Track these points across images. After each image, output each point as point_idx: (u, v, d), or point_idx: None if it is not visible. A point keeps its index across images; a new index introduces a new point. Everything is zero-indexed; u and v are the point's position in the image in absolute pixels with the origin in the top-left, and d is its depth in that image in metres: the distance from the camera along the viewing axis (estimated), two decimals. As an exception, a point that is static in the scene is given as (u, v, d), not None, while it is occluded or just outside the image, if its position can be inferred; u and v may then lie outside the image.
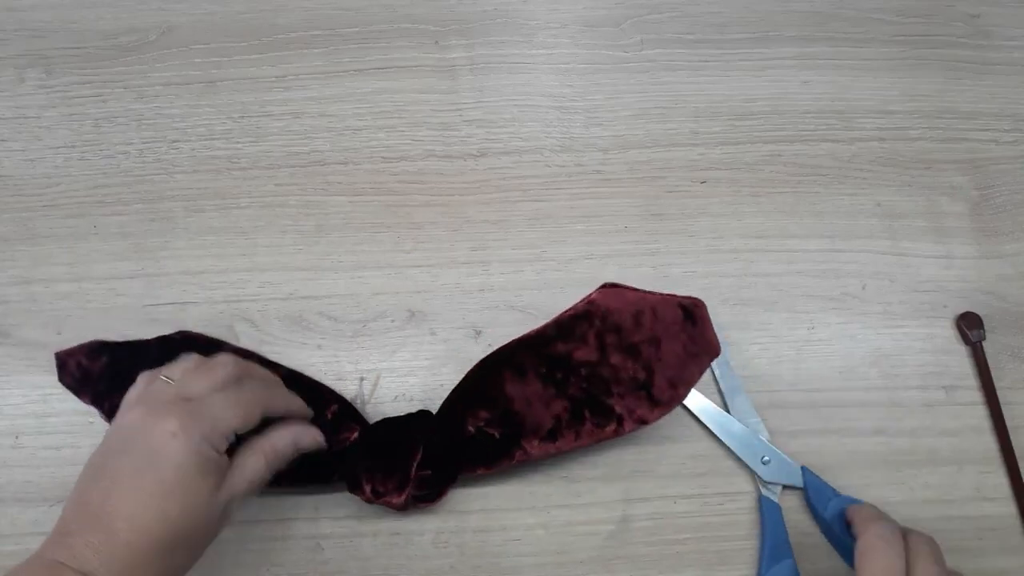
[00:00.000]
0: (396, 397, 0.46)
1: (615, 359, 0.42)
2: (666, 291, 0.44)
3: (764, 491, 0.44)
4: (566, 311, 0.43)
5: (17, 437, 0.45)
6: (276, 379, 0.41)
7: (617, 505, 0.45)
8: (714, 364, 0.46)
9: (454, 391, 0.43)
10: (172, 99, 0.52)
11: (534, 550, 0.44)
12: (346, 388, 0.46)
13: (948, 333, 0.49)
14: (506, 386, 0.42)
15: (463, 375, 0.43)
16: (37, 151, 0.51)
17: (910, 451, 0.46)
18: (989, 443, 0.47)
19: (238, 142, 0.52)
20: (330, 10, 0.55)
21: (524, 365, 0.42)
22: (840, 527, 0.42)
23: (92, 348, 0.44)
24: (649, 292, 0.43)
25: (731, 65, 0.55)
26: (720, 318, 0.48)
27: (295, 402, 0.40)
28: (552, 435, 0.42)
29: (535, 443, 0.42)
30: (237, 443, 0.36)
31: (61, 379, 0.44)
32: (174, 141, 0.51)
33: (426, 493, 0.42)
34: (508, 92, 0.54)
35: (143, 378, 0.38)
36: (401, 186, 0.51)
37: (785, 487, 0.45)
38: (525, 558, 0.44)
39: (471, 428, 0.42)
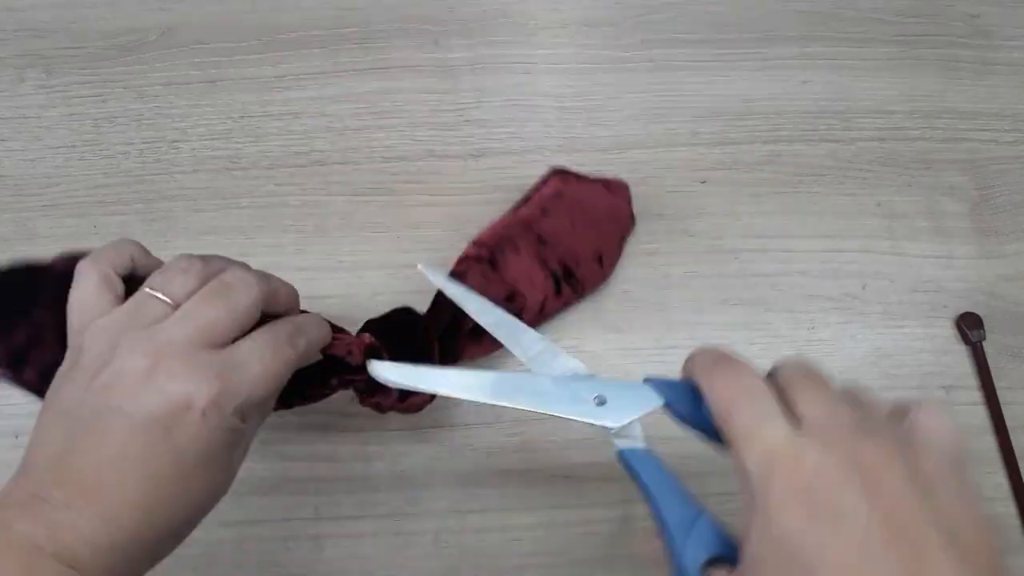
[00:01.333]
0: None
1: (581, 229, 0.46)
2: (667, 291, 0.43)
3: (619, 442, 0.32)
4: (536, 192, 0.47)
5: (17, 437, 0.45)
6: (297, 296, 0.34)
7: (617, 505, 0.45)
8: (466, 300, 0.37)
9: (452, 274, 0.43)
10: (172, 99, 0.52)
11: (534, 550, 0.44)
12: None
13: (948, 333, 0.49)
14: (507, 266, 0.43)
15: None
16: (37, 151, 0.51)
17: (910, 451, 0.46)
18: (989, 443, 0.47)
19: (238, 142, 0.52)
20: (330, 10, 0.55)
21: (519, 244, 0.44)
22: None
23: None
24: (586, 177, 0.48)
25: (731, 65, 0.55)
26: (720, 318, 0.48)
27: (325, 332, 0.34)
28: (542, 308, 0.44)
29: (529, 315, 0.44)
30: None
31: None
32: (174, 141, 0.51)
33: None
34: (508, 92, 0.54)
35: (138, 296, 0.28)
36: (401, 186, 0.51)
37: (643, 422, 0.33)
38: (525, 558, 0.44)
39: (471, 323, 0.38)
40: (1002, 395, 0.47)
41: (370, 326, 0.40)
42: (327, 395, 0.38)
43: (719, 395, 0.27)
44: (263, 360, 0.28)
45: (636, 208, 0.51)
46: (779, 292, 0.49)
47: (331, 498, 0.44)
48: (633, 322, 0.48)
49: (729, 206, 0.51)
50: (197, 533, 0.31)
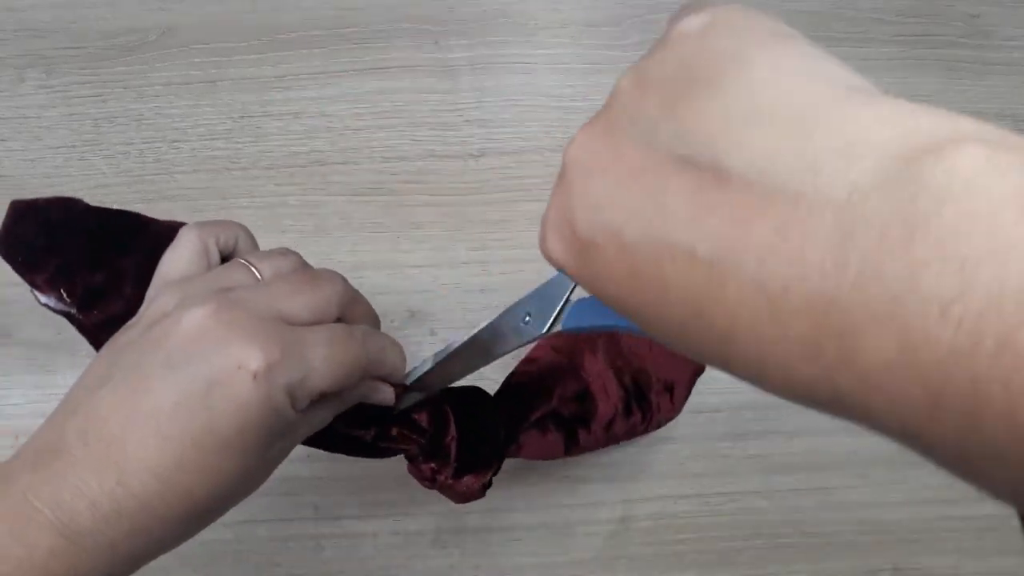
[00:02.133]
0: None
1: (658, 353, 0.41)
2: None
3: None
4: None
5: (17, 437, 0.45)
6: (378, 320, 0.33)
7: (617, 505, 0.45)
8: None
9: (519, 376, 0.39)
10: (172, 99, 0.52)
11: (534, 550, 0.44)
12: (346, 388, 0.46)
13: (948, 333, 0.49)
14: (584, 364, 0.40)
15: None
16: (37, 151, 0.51)
17: (910, 451, 0.46)
18: (989, 443, 0.47)
19: (238, 142, 0.52)
20: (330, 10, 0.55)
21: (597, 345, 0.40)
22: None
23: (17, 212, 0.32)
24: None
25: (731, 65, 0.55)
26: (720, 318, 0.48)
27: (400, 359, 0.32)
28: (609, 426, 0.40)
29: (597, 431, 0.40)
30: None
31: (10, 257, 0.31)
32: (174, 141, 0.51)
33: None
34: (508, 92, 0.54)
35: (198, 237, 0.28)
36: (401, 186, 0.51)
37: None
38: (525, 558, 0.44)
39: (539, 413, 0.39)
40: (1002, 395, 0.47)
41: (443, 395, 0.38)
42: (373, 450, 0.35)
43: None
44: (331, 345, 0.26)
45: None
46: (779, 292, 0.49)
47: (331, 498, 0.44)
48: (633, 322, 0.48)
49: (729, 206, 0.51)
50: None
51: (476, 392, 0.38)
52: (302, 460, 0.45)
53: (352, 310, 0.30)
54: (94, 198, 0.50)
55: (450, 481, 0.36)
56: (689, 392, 0.42)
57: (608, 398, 0.40)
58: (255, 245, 0.32)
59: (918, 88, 0.55)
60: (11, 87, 0.52)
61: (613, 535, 0.44)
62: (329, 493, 0.44)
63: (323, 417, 0.29)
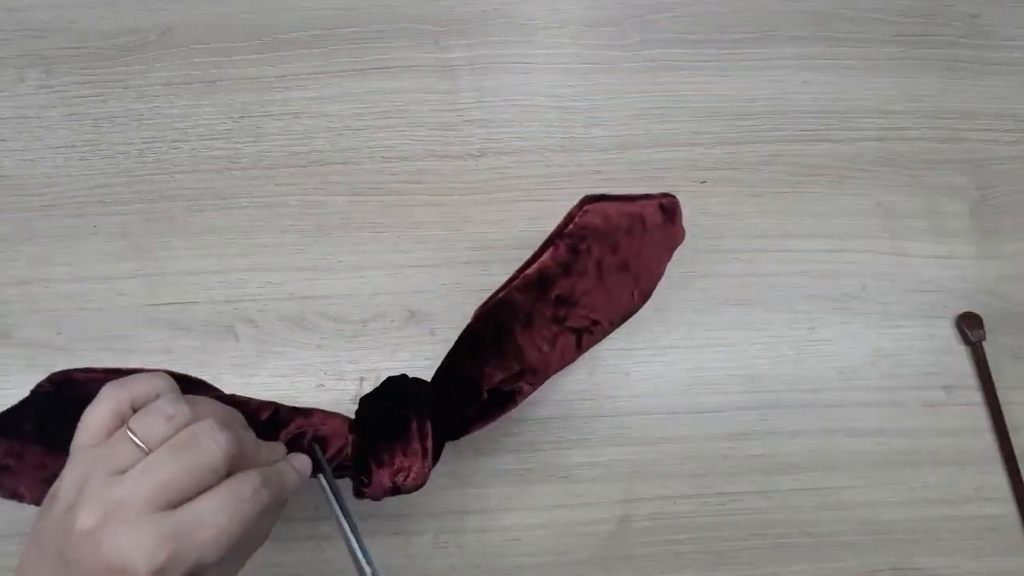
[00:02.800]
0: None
1: (611, 280, 0.40)
2: (667, 290, 0.43)
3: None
4: (555, 236, 0.39)
5: (17, 437, 0.45)
6: (269, 447, 0.34)
7: (617, 505, 0.45)
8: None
9: (453, 354, 0.40)
10: (172, 99, 0.52)
11: (534, 550, 0.44)
12: (346, 388, 0.46)
13: (948, 333, 0.49)
14: (517, 340, 0.39)
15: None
16: (37, 151, 0.51)
17: (910, 451, 0.46)
18: (989, 443, 0.47)
19: (238, 142, 0.52)
20: (330, 10, 0.55)
21: (531, 313, 0.39)
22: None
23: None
24: (626, 198, 0.40)
25: (731, 65, 0.55)
26: (720, 318, 0.48)
27: (297, 476, 0.33)
28: (558, 368, 0.41)
29: (542, 382, 0.40)
30: None
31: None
32: (174, 141, 0.51)
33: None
34: (508, 92, 0.54)
35: (115, 398, 0.29)
36: (401, 186, 0.51)
37: None
38: (525, 558, 0.44)
39: (485, 394, 0.39)
40: (1002, 395, 0.47)
41: (361, 408, 0.39)
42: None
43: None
44: (218, 523, 0.27)
45: (636, 208, 0.51)
46: (779, 292, 0.49)
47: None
48: (633, 322, 0.48)
49: (729, 206, 0.51)
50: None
51: (401, 391, 0.39)
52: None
53: (244, 461, 0.30)
54: (94, 198, 0.50)
55: (393, 494, 0.38)
56: (660, 277, 0.43)
57: (553, 352, 0.40)
58: (175, 389, 0.31)
59: (918, 88, 0.55)
60: (11, 87, 0.52)
61: (613, 535, 0.44)
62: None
63: (235, 565, 0.30)
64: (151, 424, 0.28)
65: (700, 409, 0.47)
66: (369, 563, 0.34)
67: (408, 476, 0.38)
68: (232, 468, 0.29)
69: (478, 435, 0.45)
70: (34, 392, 0.36)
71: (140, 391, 0.30)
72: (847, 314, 0.49)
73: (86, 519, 0.26)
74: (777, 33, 0.56)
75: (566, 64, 0.55)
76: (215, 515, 0.27)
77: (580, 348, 0.41)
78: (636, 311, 0.43)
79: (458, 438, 0.40)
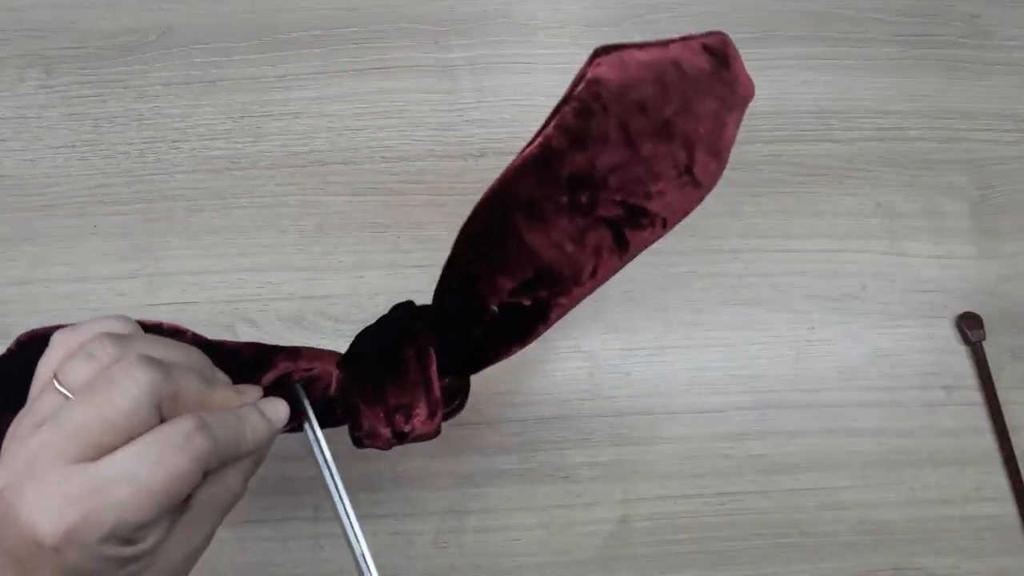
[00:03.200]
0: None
1: (647, 149, 0.31)
2: (667, 291, 0.43)
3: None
4: (562, 104, 0.31)
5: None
6: (211, 374, 0.29)
7: (617, 505, 0.45)
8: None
9: (450, 264, 0.34)
10: (172, 99, 0.52)
11: (534, 550, 0.44)
12: (346, 388, 0.46)
13: (948, 333, 0.49)
14: (524, 237, 0.31)
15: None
16: (37, 151, 0.51)
17: (910, 451, 0.46)
18: (989, 443, 0.47)
19: (238, 142, 0.52)
20: (330, 10, 0.55)
21: (537, 201, 0.31)
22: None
23: None
24: (658, 42, 0.30)
25: (731, 65, 0.55)
26: (720, 318, 0.48)
27: (254, 422, 0.28)
28: (595, 272, 0.32)
29: (574, 290, 0.32)
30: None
31: None
32: (174, 141, 0.51)
33: (458, 402, 0.34)
34: (508, 92, 0.54)
35: (43, 385, 0.25)
36: (401, 186, 0.51)
37: None
38: (525, 558, 0.44)
39: (494, 307, 0.32)
40: (1002, 395, 0.47)
41: (355, 342, 0.34)
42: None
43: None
44: (137, 477, 0.23)
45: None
46: (779, 292, 0.49)
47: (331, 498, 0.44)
48: (633, 322, 0.48)
49: (729, 206, 0.51)
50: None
51: (398, 320, 0.33)
52: (301, 460, 0.44)
53: (182, 397, 0.25)
54: (94, 198, 0.50)
55: (419, 431, 0.32)
56: (733, 136, 0.33)
57: (583, 253, 0.31)
58: (130, 330, 0.28)
59: (918, 88, 0.55)
60: (11, 87, 0.52)
61: (613, 535, 0.44)
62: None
63: (224, 494, 0.26)
64: (75, 368, 0.24)
65: (700, 409, 0.47)
66: (356, 534, 0.31)
67: (411, 418, 0.31)
68: (168, 414, 0.24)
69: (478, 435, 0.45)
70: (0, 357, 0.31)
71: (90, 335, 0.26)
72: (847, 314, 0.49)
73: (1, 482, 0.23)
74: (777, 33, 0.56)
75: (566, 64, 0.55)
76: (134, 467, 0.23)
77: (625, 248, 0.32)
78: (705, 193, 0.33)
79: (478, 370, 0.34)
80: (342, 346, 0.47)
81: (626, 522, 0.44)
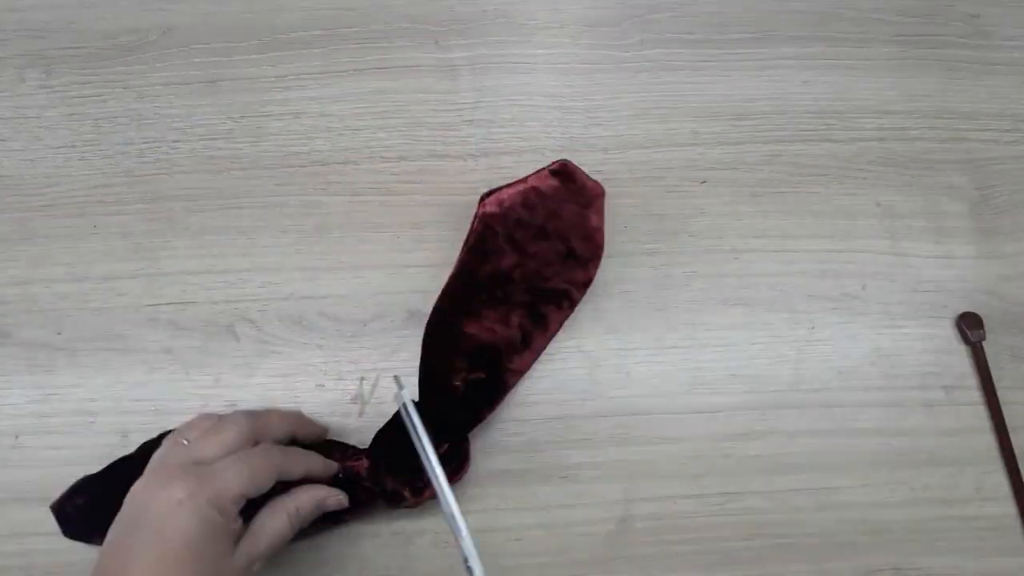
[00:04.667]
0: (396, 396, 0.46)
1: (532, 248, 0.45)
2: (667, 291, 0.43)
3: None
4: (468, 236, 0.45)
5: (17, 437, 0.45)
6: (293, 442, 0.41)
7: (617, 505, 0.45)
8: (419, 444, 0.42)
9: (422, 359, 0.44)
10: (172, 99, 0.52)
11: (534, 550, 0.44)
12: (346, 388, 0.46)
13: (948, 333, 0.49)
14: (464, 328, 0.43)
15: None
16: (37, 151, 0.51)
17: (910, 451, 0.46)
18: (989, 443, 0.47)
19: (238, 142, 0.52)
20: (330, 10, 0.55)
21: (467, 301, 0.44)
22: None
23: (76, 488, 0.42)
24: (518, 181, 0.46)
25: (731, 65, 0.55)
26: (720, 318, 0.48)
27: (314, 462, 0.40)
28: (526, 342, 0.44)
29: (516, 359, 0.44)
30: (261, 502, 0.37)
31: (66, 532, 0.41)
32: (174, 141, 0.51)
33: (456, 465, 0.43)
34: (508, 92, 0.54)
35: (167, 441, 0.38)
36: (401, 186, 0.51)
37: None
38: (525, 558, 0.44)
39: (458, 383, 0.43)
40: (1002, 395, 0.47)
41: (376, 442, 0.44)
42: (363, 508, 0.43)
43: None
44: (236, 463, 0.36)
45: (635, 209, 0.51)
46: (779, 292, 0.49)
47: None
48: (633, 322, 0.48)
49: (729, 206, 0.51)
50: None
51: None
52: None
53: (262, 436, 0.39)
54: (94, 198, 0.50)
55: (421, 499, 0.43)
56: (599, 241, 0.47)
57: (509, 328, 0.44)
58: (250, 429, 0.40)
59: (918, 88, 0.55)
60: (11, 87, 0.52)
61: (613, 535, 0.44)
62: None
63: (276, 526, 0.37)
64: (193, 427, 0.39)
65: (700, 409, 0.47)
66: (455, 515, 0.39)
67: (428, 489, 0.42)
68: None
69: (478, 435, 0.45)
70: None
71: (180, 430, 0.40)
72: (847, 314, 0.49)
73: (148, 479, 0.36)
74: (777, 33, 0.56)
75: (566, 64, 0.55)
76: (233, 462, 0.36)
77: (542, 319, 0.45)
78: (593, 266, 0.46)
79: (465, 433, 0.44)
80: (342, 346, 0.47)
81: (626, 522, 0.44)
